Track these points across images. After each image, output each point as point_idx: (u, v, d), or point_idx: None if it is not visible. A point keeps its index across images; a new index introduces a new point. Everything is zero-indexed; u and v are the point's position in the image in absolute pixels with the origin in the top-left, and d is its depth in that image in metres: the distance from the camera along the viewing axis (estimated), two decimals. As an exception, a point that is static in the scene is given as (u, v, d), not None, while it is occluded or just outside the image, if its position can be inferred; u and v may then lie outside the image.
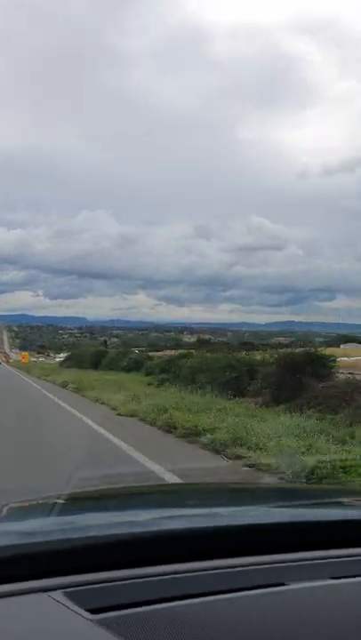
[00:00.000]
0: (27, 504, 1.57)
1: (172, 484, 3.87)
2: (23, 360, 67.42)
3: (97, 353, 45.25)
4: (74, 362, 47.06)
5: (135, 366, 33.42)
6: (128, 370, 33.04)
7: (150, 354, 40.27)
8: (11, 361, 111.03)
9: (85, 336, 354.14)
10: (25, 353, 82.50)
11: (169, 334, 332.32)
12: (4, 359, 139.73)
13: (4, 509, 1.40)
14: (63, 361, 54.80)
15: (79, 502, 1.54)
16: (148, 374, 26.65)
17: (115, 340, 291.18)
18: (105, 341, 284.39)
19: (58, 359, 75.00)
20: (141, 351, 48.91)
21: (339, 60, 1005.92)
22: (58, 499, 1.38)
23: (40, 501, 1.55)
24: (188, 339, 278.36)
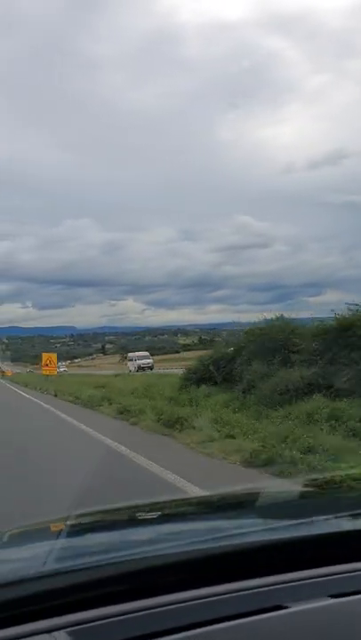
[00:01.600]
0: (27, 531, 1.51)
1: (165, 502, 2.65)
2: (48, 370, 30.89)
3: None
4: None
5: None
6: None
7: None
8: (9, 373, 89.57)
9: (79, 344, 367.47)
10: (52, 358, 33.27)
11: (163, 337, 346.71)
12: None
13: (4, 538, 1.39)
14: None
15: (79, 532, 1.46)
16: None
17: (109, 345, 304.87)
18: (103, 347, 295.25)
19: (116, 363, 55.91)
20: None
21: (312, 55, 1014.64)
22: (56, 527, 1.35)
23: (39, 530, 1.51)
24: (183, 340, 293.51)
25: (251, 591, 0.97)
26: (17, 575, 0.99)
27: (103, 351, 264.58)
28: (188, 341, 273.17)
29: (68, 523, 1.43)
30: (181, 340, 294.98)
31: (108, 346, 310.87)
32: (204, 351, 21.45)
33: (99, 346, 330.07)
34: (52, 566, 1.06)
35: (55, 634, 0.85)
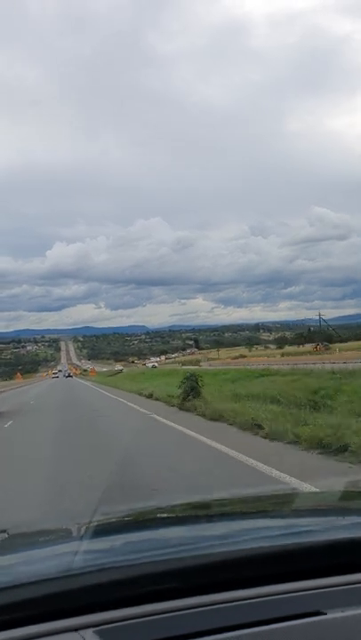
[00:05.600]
0: (50, 535, 1.53)
1: (188, 504, 2.54)
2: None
3: None
4: None
5: None
6: None
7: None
8: (89, 373, 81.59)
9: (156, 341, 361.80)
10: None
11: (243, 333, 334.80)
12: (74, 371, 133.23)
13: (27, 540, 1.42)
14: None
15: (104, 533, 1.42)
16: None
17: (189, 342, 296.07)
18: (196, 340, 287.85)
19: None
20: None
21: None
22: (81, 529, 1.32)
23: (62, 533, 1.51)
24: (268, 337, 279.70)
25: (287, 595, 0.93)
26: (44, 573, 0.99)
27: (197, 346, 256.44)
28: (271, 337, 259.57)
29: (94, 522, 1.45)
30: (265, 336, 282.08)
31: (188, 342, 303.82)
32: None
33: (177, 343, 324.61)
34: (78, 565, 1.04)
35: (82, 632, 0.85)
